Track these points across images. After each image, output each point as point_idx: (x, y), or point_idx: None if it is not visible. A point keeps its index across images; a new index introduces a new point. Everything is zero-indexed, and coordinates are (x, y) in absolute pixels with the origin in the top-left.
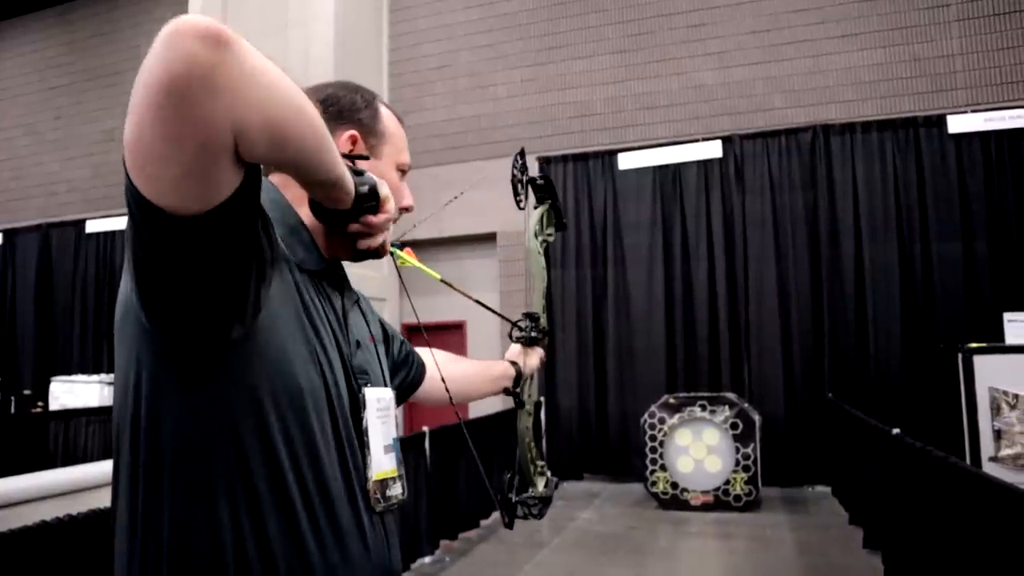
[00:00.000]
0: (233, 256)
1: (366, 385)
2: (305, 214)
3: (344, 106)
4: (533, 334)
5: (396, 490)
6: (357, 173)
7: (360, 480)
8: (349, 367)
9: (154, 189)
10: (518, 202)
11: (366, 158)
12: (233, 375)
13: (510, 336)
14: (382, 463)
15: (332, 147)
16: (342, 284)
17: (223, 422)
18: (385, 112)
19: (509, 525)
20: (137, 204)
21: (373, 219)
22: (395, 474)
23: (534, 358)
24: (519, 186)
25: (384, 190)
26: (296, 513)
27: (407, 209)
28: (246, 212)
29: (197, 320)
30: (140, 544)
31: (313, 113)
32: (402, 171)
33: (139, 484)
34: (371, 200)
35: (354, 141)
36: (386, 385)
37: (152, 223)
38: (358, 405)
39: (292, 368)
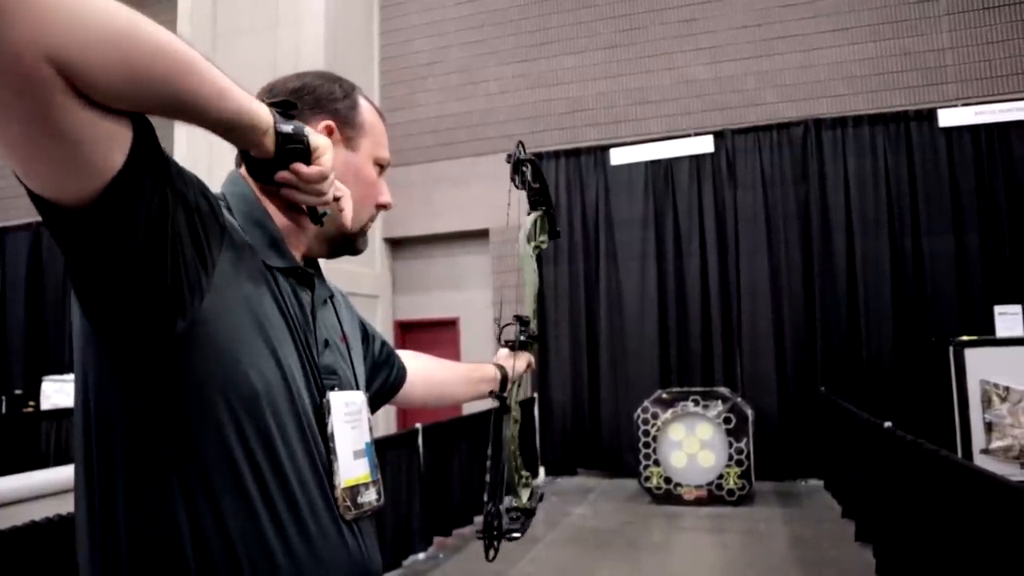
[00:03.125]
0: (149, 239)
1: (334, 387)
2: (275, 209)
3: (321, 95)
4: (522, 338)
5: (370, 496)
6: (287, 118)
7: (328, 486)
8: (314, 367)
9: (27, 179)
10: (514, 180)
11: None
12: (180, 372)
13: (498, 340)
14: (352, 469)
15: (220, 80)
16: (311, 280)
17: (173, 421)
18: (365, 104)
19: (492, 558)
20: (31, 198)
21: (304, 169)
22: (367, 480)
23: (522, 362)
24: (521, 169)
25: (317, 140)
26: (257, 513)
27: (384, 206)
28: (148, 187)
29: (130, 314)
30: (100, 549)
31: (172, 39)
32: (380, 166)
33: (94, 487)
34: (296, 143)
35: (330, 131)
36: (358, 387)
37: (48, 218)
38: (322, 410)
39: (243, 365)
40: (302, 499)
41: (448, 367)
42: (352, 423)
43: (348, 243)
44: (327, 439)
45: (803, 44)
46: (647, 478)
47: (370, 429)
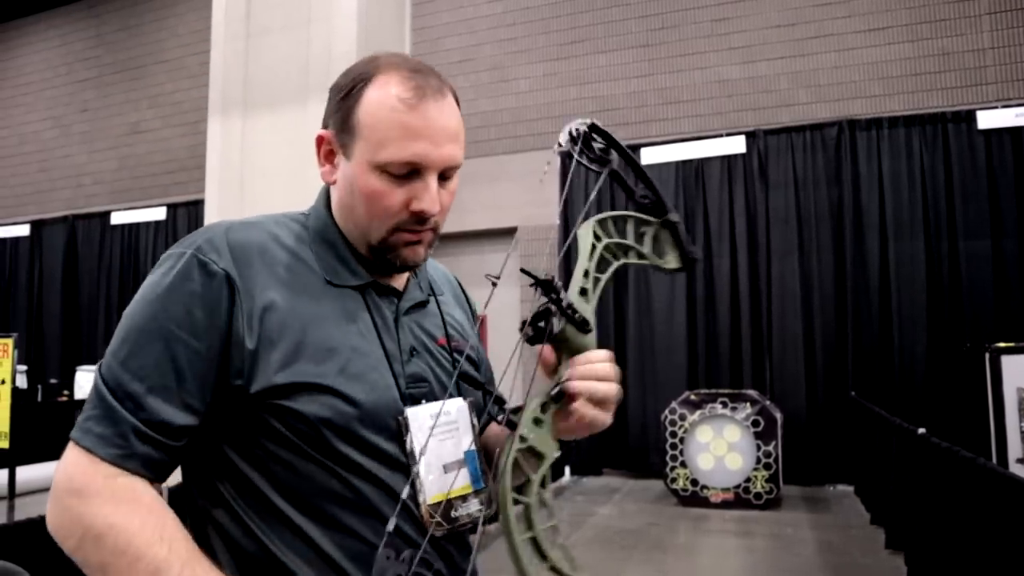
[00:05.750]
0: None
1: (421, 399)
2: (348, 224)
3: (334, 96)
4: (552, 321)
5: (469, 508)
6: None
7: (414, 504)
8: (397, 380)
9: None
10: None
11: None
12: (225, 413)
13: (521, 331)
14: (442, 483)
15: None
16: (392, 290)
17: (217, 448)
18: (373, 96)
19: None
20: None
21: None
22: (467, 491)
23: (549, 359)
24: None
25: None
26: (272, 537)
27: (418, 214)
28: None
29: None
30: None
31: None
32: (393, 172)
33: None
34: None
35: (324, 143)
36: (455, 394)
37: None
38: (400, 427)
39: (290, 400)
40: (355, 521)
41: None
42: (443, 435)
43: (382, 257)
44: (407, 456)
45: (838, 44)
46: (673, 479)
47: (475, 433)
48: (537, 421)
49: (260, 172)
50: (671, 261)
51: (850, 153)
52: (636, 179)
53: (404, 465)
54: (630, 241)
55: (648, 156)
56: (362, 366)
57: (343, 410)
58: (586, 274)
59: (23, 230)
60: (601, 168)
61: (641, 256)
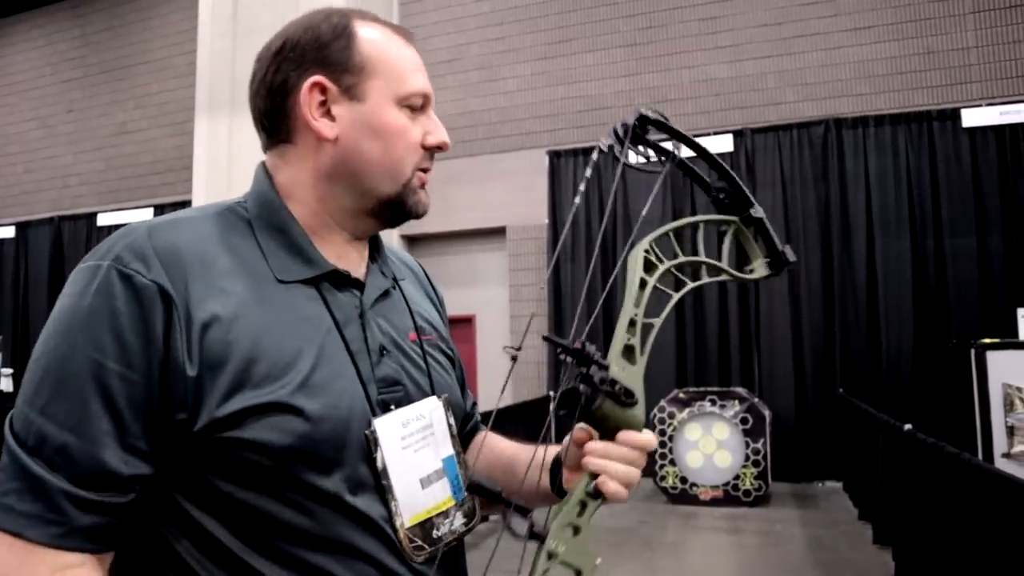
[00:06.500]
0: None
1: (391, 405)
2: (300, 203)
3: (305, 47)
4: (582, 395)
5: (452, 524)
6: None
7: (390, 530)
8: (367, 387)
9: None
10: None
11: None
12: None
13: (552, 398)
14: (420, 501)
15: None
16: (353, 281)
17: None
18: (367, 34)
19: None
20: None
21: None
22: (448, 505)
23: (598, 451)
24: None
25: None
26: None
27: (439, 147)
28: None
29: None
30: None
31: None
32: (411, 105)
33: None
34: None
35: (322, 90)
36: (430, 392)
37: None
38: (368, 445)
39: (241, 429)
40: (328, 562)
41: (500, 446)
42: (418, 444)
43: (398, 208)
44: (378, 476)
45: (824, 43)
46: (663, 477)
47: (453, 436)
48: (575, 529)
49: (248, 172)
50: (758, 268)
51: (837, 151)
52: (709, 170)
53: (378, 486)
54: (702, 256)
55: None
56: (325, 375)
57: (304, 431)
58: (631, 324)
59: (8, 231)
60: (663, 163)
61: (716, 272)
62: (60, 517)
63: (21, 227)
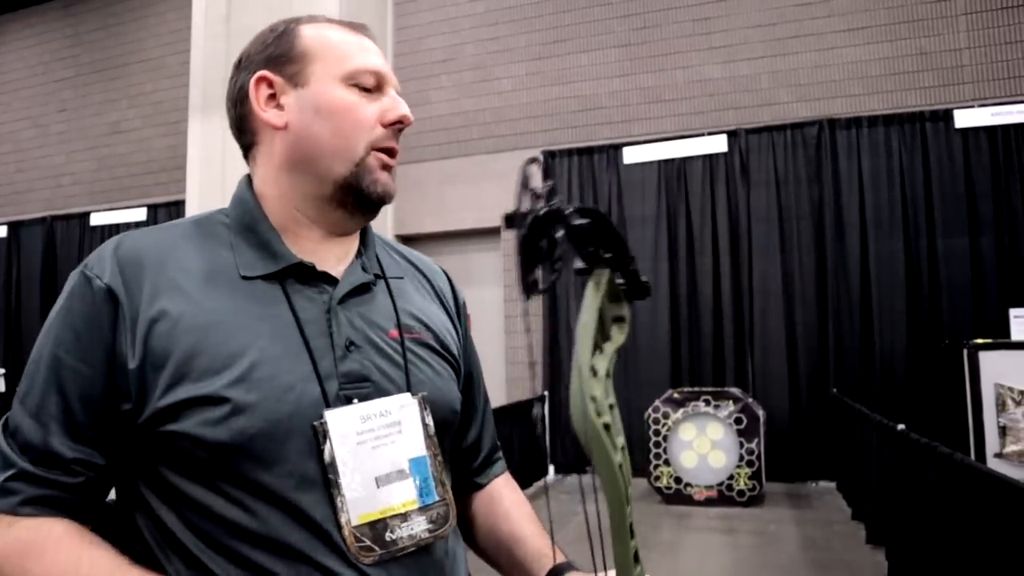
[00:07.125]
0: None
1: (361, 398)
2: (273, 200)
3: (253, 53)
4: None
5: (412, 528)
6: None
7: (325, 529)
8: (324, 381)
9: None
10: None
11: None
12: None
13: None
14: (378, 500)
15: None
16: (324, 276)
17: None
18: (308, 28)
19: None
20: None
21: None
22: (410, 507)
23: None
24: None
25: None
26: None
27: (398, 122)
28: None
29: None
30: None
31: None
32: (361, 84)
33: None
34: None
35: (269, 83)
36: (403, 389)
37: None
38: (317, 437)
39: (178, 423)
40: (266, 558)
41: (511, 516)
42: (377, 440)
43: (356, 191)
44: (325, 471)
45: (818, 44)
46: (657, 477)
47: (429, 437)
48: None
49: (241, 172)
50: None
51: (830, 152)
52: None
53: (326, 481)
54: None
55: (630, 155)
56: (272, 369)
57: (238, 425)
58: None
59: (0, 231)
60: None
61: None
62: (17, 487)
63: (13, 227)
